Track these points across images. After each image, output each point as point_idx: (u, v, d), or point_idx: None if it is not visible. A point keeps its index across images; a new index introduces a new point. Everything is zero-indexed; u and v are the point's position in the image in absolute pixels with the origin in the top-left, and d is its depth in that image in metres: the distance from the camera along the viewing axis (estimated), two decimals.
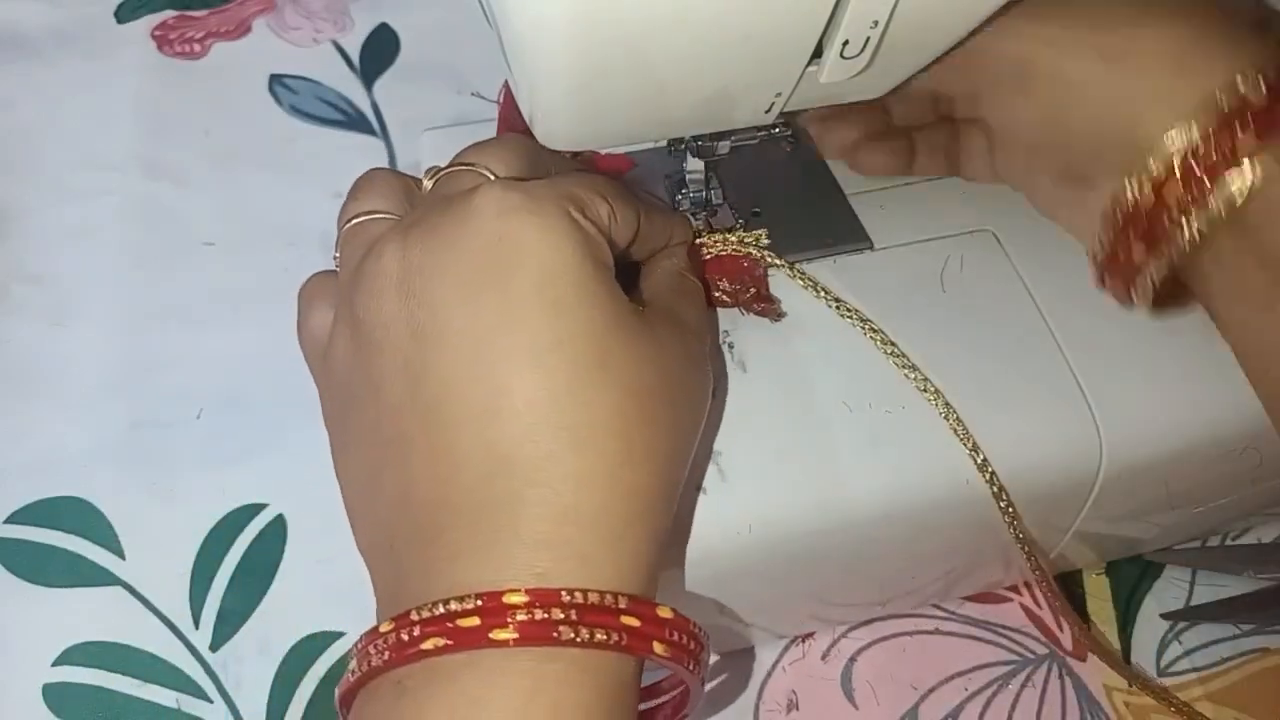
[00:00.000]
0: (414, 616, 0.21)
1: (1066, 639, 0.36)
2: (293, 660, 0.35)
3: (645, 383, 0.23)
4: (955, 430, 0.29)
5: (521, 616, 0.20)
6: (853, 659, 0.36)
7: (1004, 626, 0.37)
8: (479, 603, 0.20)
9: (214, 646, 0.35)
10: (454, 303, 0.22)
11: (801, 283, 0.31)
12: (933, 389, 0.29)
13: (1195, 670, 0.36)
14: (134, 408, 0.40)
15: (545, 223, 0.22)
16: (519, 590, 0.21)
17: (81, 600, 0.36)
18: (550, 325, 0.22)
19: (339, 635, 0.36)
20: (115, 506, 0.38)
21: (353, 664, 0.22)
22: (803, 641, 0.36)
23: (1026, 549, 0.30)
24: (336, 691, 0.23)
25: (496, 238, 0.22)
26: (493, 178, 0.24)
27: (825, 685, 0.35)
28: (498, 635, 0.20)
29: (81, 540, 0.37)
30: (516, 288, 0.22)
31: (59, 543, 0.37)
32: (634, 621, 0.21)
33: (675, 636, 0.22)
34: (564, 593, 0.21)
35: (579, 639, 0.21)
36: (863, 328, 0.30)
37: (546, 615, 0.20)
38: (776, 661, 0.35)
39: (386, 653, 0.21)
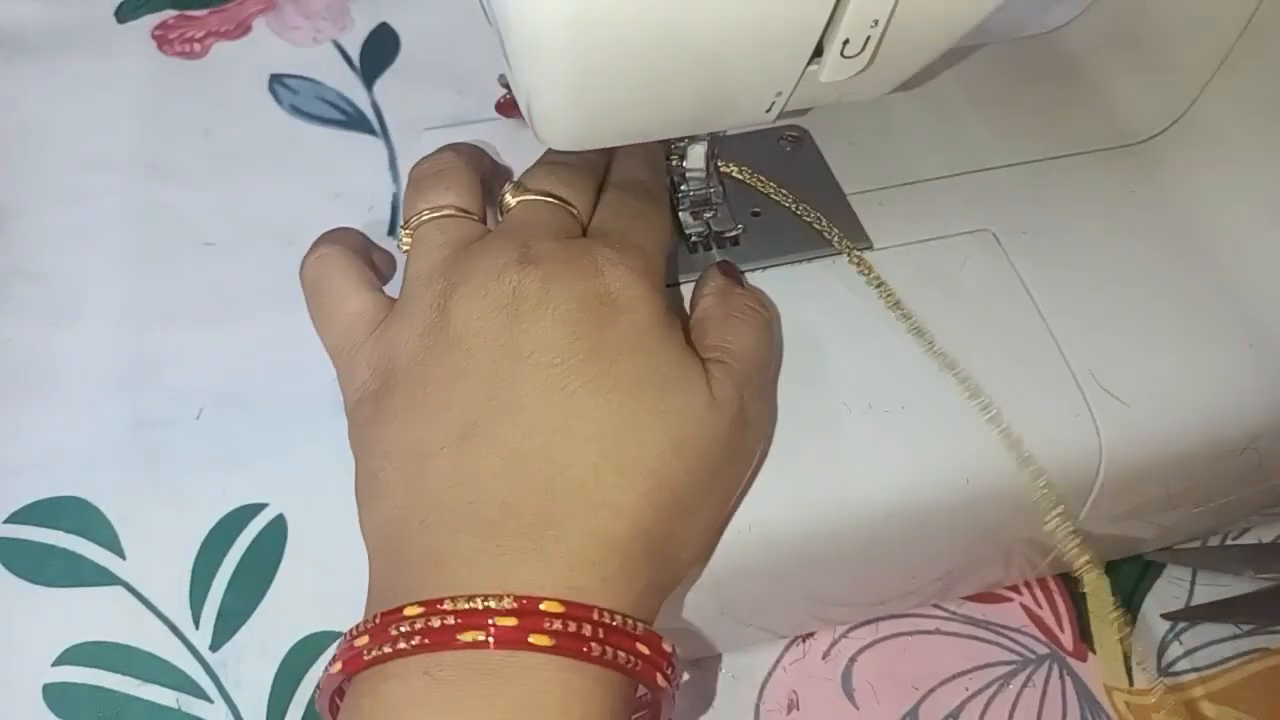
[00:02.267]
0: (447, 606, 0.21)
1: (1067, 639, 0.36)
2: (293, 660, 0.35)
3: (690, 435, 0.25)
4: (992, 421, 0.29)
5: (557, 626, 0.21)
6: (853, 659, 0.36)
7: (1004, 626, 0.37)
8: (515, 604, 0.21)
9: (214, 646, 0.35)
10: (556, 333, 0.24)
11: (859, 268, 0.32)
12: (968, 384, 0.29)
13: (1196, 670, 0.36)
14: (134, 408, 0.40)
15: (649, 291, 0.26)
16: (556, 601, 0.22)
17: (81, 600, 0.36)
18: (630, 367, 0.24)
19: (339, 635, 0.35)
20: (115, 506, 0.37)
21: (362, 640, 0.22)
22: (803, 641, 0.36)
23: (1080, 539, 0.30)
24: (337, 661, 0.23)
25: (609, 295, 0.25)
26: (576, 210, 0.28)
27: (825, 685, 0.35)
28: (536, 640, 0.21)
29: (81, 540, 0.37)
30: (613, 332, 0.25)
31: (59, 543, 0.37)
32: (645, 649, 0.23)
33: (669, 671, 0.23)
34: (596, 611, 0.22)
35: (605, 657, 0.22)
36: (905, 322, 0.30)
37: (578, 629, 0.21)
38: (776, 661, 0.35)
39: (417, 637, 0.21)
